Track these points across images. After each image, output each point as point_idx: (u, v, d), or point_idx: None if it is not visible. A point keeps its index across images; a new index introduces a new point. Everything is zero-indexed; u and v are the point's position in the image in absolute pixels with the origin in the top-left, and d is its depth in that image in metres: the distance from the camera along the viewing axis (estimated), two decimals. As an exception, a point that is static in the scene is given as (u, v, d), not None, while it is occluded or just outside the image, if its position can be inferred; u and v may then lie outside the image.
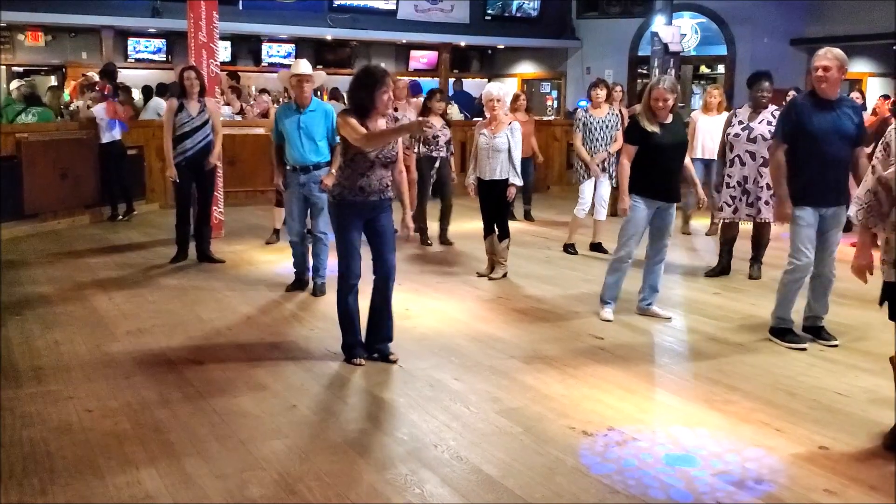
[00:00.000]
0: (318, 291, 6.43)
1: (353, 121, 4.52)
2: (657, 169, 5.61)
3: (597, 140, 7.98)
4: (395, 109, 8.60)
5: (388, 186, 4.75)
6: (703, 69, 18.32)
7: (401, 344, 5.18)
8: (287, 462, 3.55)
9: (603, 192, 8.12)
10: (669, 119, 5.66)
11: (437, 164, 8.59)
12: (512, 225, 10.07)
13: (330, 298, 6.34)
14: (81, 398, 4.25)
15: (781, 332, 5.30)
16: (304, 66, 6.38)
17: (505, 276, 7.11)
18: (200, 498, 3.24)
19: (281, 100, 15.86)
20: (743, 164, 6.89)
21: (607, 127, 8.02)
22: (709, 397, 4.37)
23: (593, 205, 8.15)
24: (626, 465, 3.57)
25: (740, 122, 6.96)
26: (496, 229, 7.08)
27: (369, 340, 4.93)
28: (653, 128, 5.59)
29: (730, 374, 4.72)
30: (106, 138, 9.73)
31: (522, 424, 3.98)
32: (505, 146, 6.82)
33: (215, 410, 4.11)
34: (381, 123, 4.68)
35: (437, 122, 8.56)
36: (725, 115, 9.31)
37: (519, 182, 6.94)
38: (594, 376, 4.69)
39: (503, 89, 7.06)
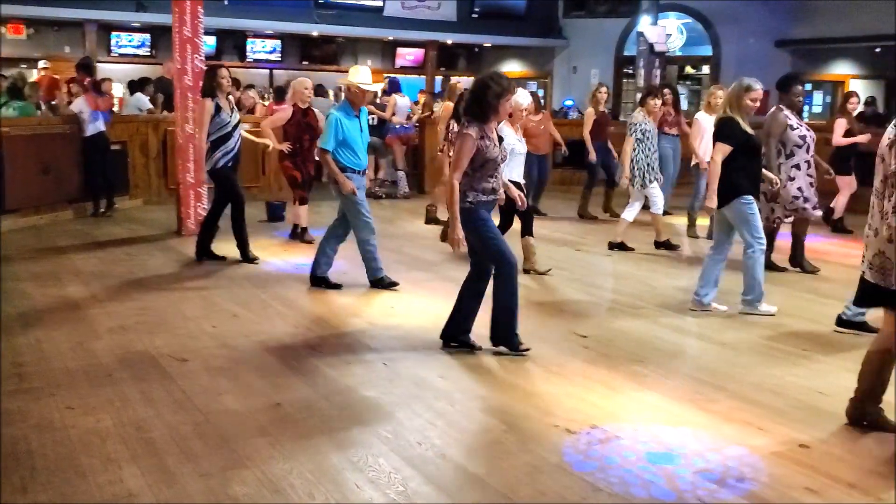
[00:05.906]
0: (388, 281, 6.55)
1: (468, 148, 4.63)
2: (754, 169, 5.86)
3: (650, 148, 8.25)
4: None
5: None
6: (689, 70, 18.40)
7: (386, 342, 5.18)
8: (270, 460, 3.54)
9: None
10: None
11: None
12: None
13: (317, 295, 6.36)
14: (63, 395, 4.22)
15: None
16: (366, 75, 6.41)
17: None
18: (183, 496, 3.23)
19: (266, 95, 15.82)
20: (799, 170, 6.88)
21: (654, 136, 8.41)
22: (693, 396, 4.39)
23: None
24: (609, 462, 3.58)
25: (796, 127, 6.85)
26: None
27: (463, 329, 5.07)
28: (751, 130, 5.80)
29: (715, 373, 4.75)
30: (90, 130, 9.67)
31: (506, 422, 3.99)
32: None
33: (198, 408, 4.10)
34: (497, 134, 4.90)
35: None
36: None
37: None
38: (578, 374, 4.70)
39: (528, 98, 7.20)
